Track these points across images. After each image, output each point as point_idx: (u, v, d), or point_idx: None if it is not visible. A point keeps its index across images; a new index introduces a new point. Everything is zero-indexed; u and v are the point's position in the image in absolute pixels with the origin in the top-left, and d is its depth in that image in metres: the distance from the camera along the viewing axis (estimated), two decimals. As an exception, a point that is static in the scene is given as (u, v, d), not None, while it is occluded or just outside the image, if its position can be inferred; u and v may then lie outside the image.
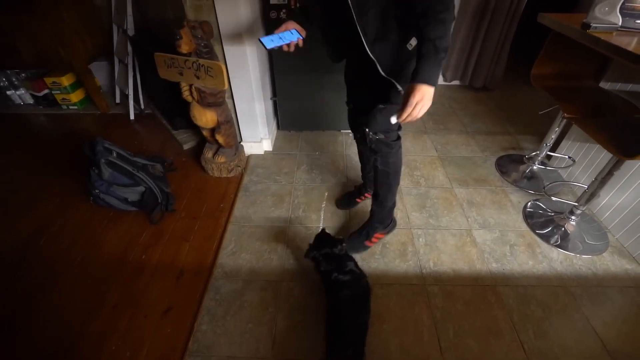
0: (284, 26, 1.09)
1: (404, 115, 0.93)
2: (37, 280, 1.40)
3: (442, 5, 0.85)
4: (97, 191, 1.58)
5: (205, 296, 1.33)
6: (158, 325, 1.24)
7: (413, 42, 0.99)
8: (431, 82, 0.89)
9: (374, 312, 1.28)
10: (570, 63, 1.54)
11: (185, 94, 1.64)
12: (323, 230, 1.35)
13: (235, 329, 1.23)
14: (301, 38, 1.07)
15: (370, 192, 1.69)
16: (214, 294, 1.34)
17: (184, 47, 1.45)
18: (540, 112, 1.90)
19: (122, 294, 1.35)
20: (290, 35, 1.05)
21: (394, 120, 0.96)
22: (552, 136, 1.76)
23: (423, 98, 0.90)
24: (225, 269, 1.44)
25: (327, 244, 1.26)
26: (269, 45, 1.02)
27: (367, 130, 1.20)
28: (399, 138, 1.26)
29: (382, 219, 1.48)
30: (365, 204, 1.73)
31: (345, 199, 1.72)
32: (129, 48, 2.26)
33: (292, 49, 1.09)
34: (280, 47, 1.05)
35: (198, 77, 1.53)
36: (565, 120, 1.65)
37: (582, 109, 1.41)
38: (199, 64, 1.48)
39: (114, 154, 1.60)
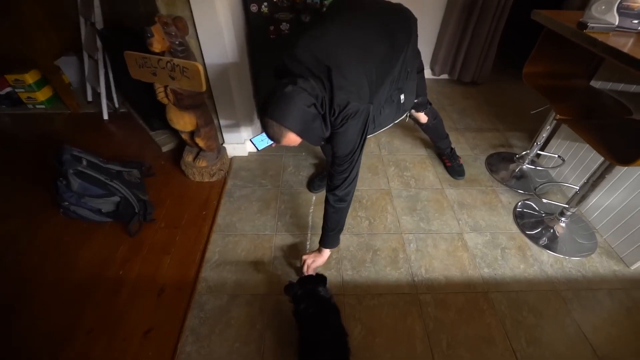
0: None
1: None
2: (2, 303, 1.30)
3: (345, 202, 1.17)
4: (66, 203, 1.47)
5: (189, 314, 1.26)
6: (138, 348, 1.17)
7: (402, 97, 1.30)
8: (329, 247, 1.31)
9: (365, 324, 1.24)
10: (562, 61, 1.50)
11: (160, 95, 1.52)
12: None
13: (221, 349, 1.17)
14: None
15: None
16: (197, 311, 1.27)
17: (156, 46, 1.34)
18: (532, 112, 1.86)
19: (98, 315, 1.26)
20: None
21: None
22: (544, 135, 1.73)
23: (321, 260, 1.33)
24: (209, 283, 1.37)
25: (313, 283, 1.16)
26: (260, 147, 1.21)
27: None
28: (429, 103, 1.63)
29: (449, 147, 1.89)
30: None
31: (317, 181, 1.79)
32: (99, 43, 2.10)
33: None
34: (270, 145, 1.20)
35: (173, 78, 1.42)
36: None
37: (574, 111, 1.37)
38: (174, 63, 1.37)
39: (84, 163, 1.49)
